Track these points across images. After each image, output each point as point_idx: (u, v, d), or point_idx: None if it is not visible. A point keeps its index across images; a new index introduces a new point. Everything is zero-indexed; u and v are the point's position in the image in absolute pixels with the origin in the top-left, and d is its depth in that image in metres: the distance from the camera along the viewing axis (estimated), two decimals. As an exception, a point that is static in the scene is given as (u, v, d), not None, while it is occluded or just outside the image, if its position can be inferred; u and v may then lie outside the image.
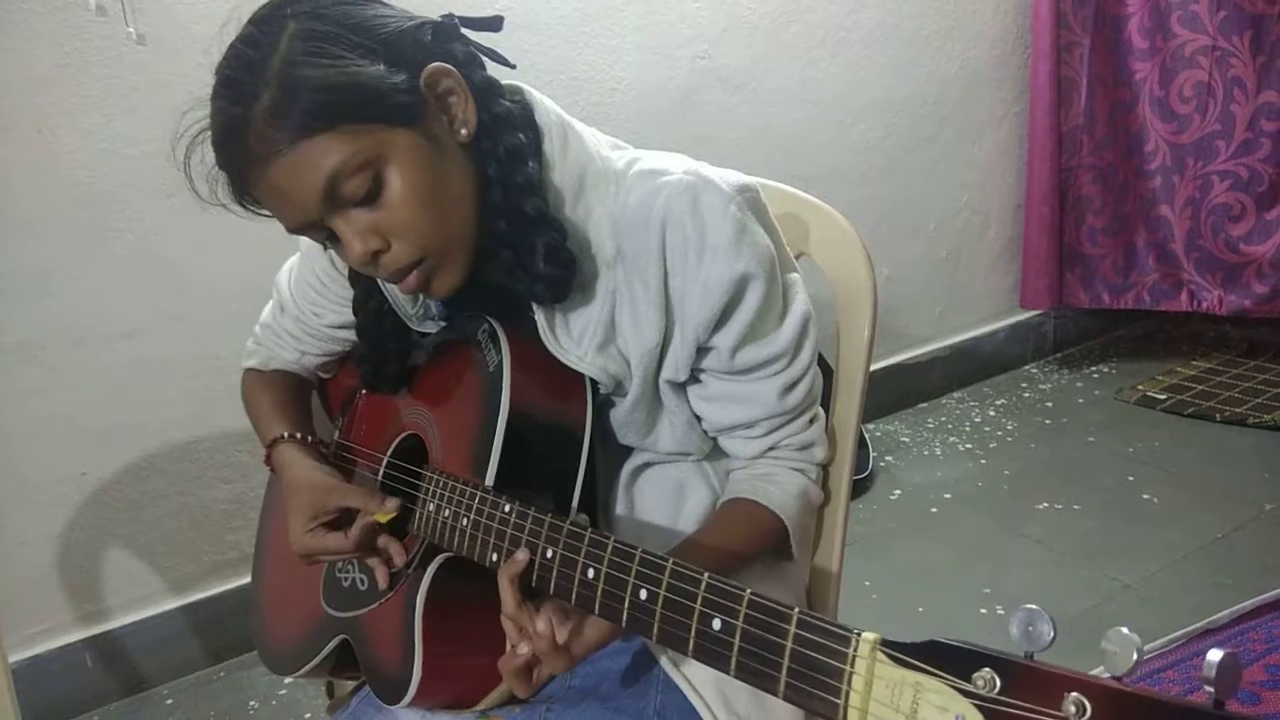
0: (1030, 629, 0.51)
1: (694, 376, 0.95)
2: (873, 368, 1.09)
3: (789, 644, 0.61)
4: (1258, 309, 2.76)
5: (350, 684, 1.14)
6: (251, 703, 1.93)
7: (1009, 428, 2.76)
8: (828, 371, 1.06)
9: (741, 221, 0.88)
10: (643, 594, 0.72)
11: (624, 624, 0.74)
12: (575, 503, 0.90)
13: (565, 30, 2.16)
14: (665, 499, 1.00)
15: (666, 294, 0.90)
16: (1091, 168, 2.82)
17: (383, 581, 0.95)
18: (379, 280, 0.98)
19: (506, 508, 0.84)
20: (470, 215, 0.88)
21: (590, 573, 0.77)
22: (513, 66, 0.92)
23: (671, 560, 0.71)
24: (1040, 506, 2.34)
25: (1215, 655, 0.45)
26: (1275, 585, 1.92)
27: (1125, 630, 0.48)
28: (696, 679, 0.91)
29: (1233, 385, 2.82)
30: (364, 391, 1.12)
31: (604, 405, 0.96)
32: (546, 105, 0.92)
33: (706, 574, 0.68)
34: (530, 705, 0.93)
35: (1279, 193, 2.68)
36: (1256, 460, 2.44)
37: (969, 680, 0.50)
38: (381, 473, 1.04)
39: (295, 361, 1.16)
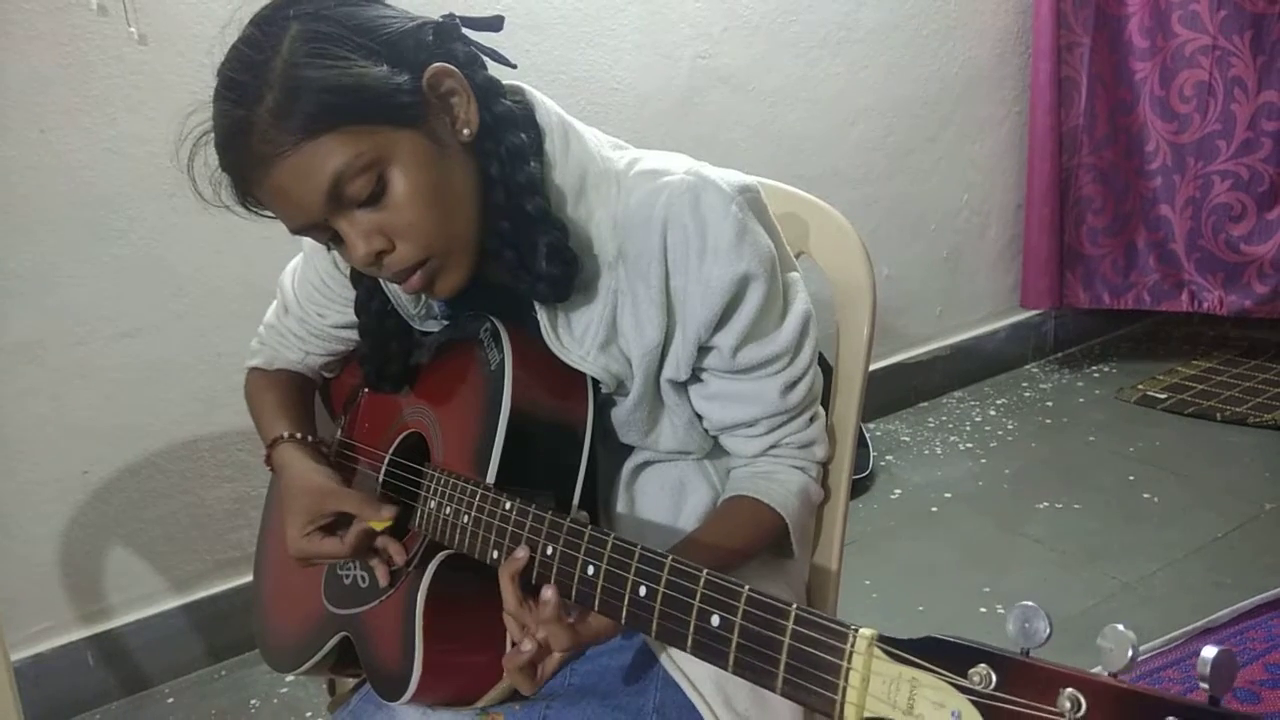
0: (1026, 626, 0.51)
1: (695, 375, 0.95)
2: (873, 367, 1.09)
3: (786, 640, 0.61)
4: (1258, 309, 2.76)
5: (351, 681, 1.14)
6: (253, 701, 1.94)
7: (1009, 427, 2.76)
8: (827, 370, 1.07)
9: (742, 221, 0.88)
10: (642, 591, 0.72)
11: (623, 620, 0.74)
12: (576, 501, 0.91)
13: (566, 30, 2.16)
14: (666, 497, 1.00)
15: (668, 294, 0.90)
16: (1092, 167, 2.83)
17: (383, 579, 0.95)
18: (381, 280, 0.98)
19: (507, 505, 0.84)
20: (473, 215, 0.88)
21: (590, 570, 0.77)
22: (514, 66, 0.92)
23: (670, 557, 0.72)
24: (1041, 506, 2.34)
25: (1210, 652, 0.45)
26: (1275, 584, 1.92)
27: (1121, 627, 0.48)
28: (696, 676, 0.91)
29: (1233, 385, 2.82)
30: (366, 390, 1.12)
31: (605, 404, 0.97)
32: (547, 105, 0.93)
33: (705, 571, 0.69)
34: (530, 703, 0.93)
35: (1279, 193, 2.68)
36: (1257, 459, 2.44)
37: (965, 676, 0.50)
38: (383, 471, 1.04)
39: (299, 361, 1.17)
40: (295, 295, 1.13)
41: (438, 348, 1.03)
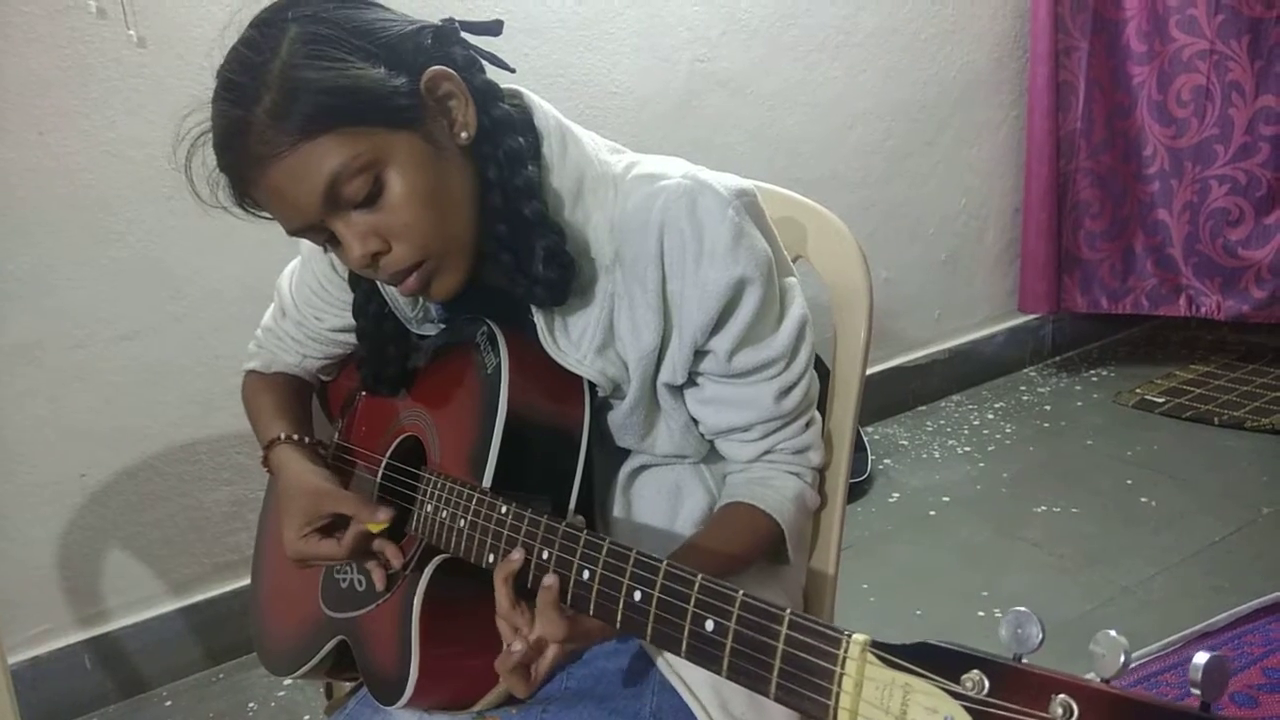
0: (1019, 631, 0.51)
1: (691, 379, 0.96)
2: (871, 370, 1.09)
3: (780, 645, 0.61)
4: (1256, 314, 2.76)
5: (348, 685, 1.14)
6: (250, 704, 1.94)
7: (1007, 431, 2.76)
8: (825, 373, 1.07)
9: (739, 225, 0.88)
10: (637, 595, 0.73)
11: (618, 624, 0.74)
12: (573, 504, 0.91)
13: (565, 34, 2.16)
14: (662, 501, 1.00)
15: (664, 297, 0.90)
16: (1089, 172, 2.83)
17: (380, 583, 0.95)
18: (379, 283, 0.98)
19: (503, 509, 0.85)
20: (470, 218, 0.88)
21: (585, 574, 0.77)
22: (512, 70, 0.92)
23: (665, 562, 0.72)
24: (1038, 510, 2.34)
25: (1202, 658, 0.45)
26: (1273, 588, 1.93)
27: (1113, 633, 0.48)
28: (692, 680, 0.91)
29: (1231, 389, 2.82)
30: (363, 393, 1.13)
31: (602, 408, 0.97)
32: (545, 109, 0.93)
33: (700, 575, 0.69)
34: (526, 706, 0.93)
35: (1277, 197, 2.68)
36: (1254, 464, 2.44)
37: (958, 682, 0.50)
38: (380, 474, 1.04)
39: (297, 364, 1.17)
40: (293, 298, 1.13)
41: (435, 351, 1.04)
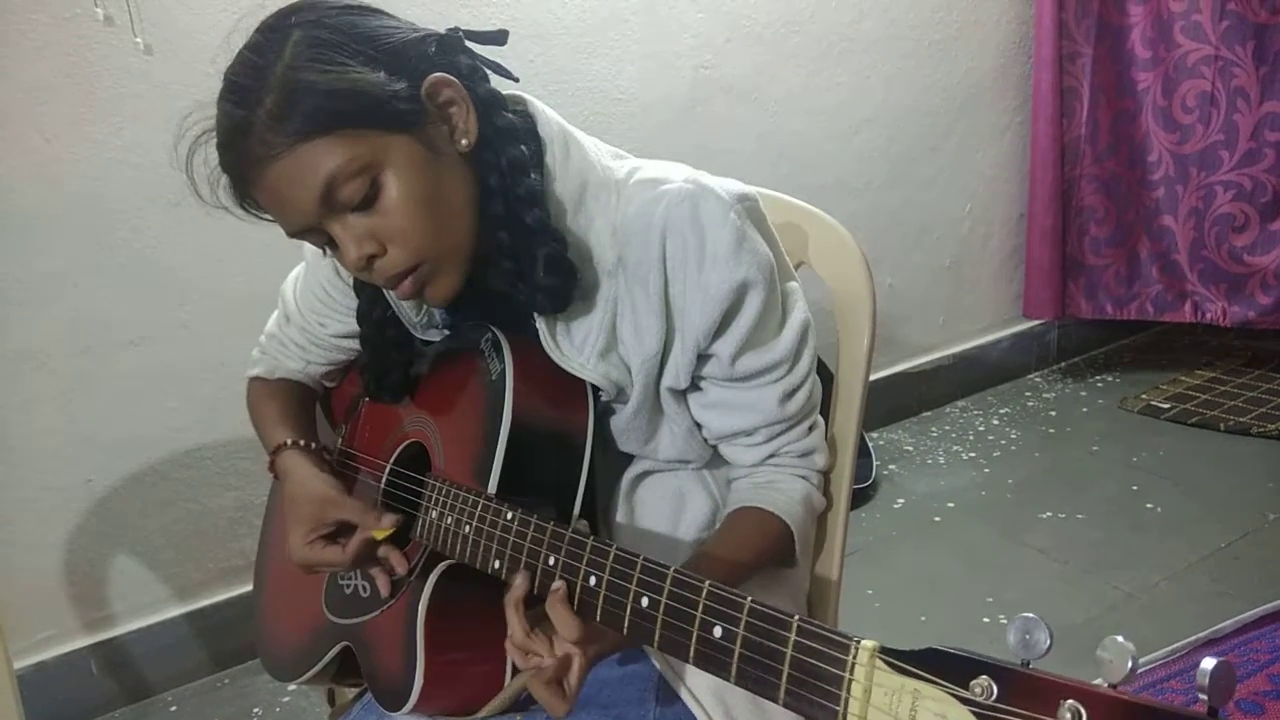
0: (1027, 637, 0.51)
1: (694, 384, 0.96)
2: (876, 376, 1.09)
3: (789, 651, 0.61)
4: (1262, 320, 2.75)
5: (352, 692, 1.14)
6: (255, 710, 1.94)
7: (1013, 436, 2.76)
8: (829, 377, 1.07)
9: (741, 229, 0.89)
10: (644, 601, 0.73)
11: (625, 631, 0.74)
12: (577, 510, 0.91)
13: (570, 40, 2.17)
14: (666, 507, 1.00)
15: (667, 302, 0.91)
16: (1094, 178, 2.83)
17: (385, 589, 0.95)
18: (384, 290, 0.98)
19: (509, 515, 0.85)
20: (469, 224, 0.88)
21: (592, 580, 0.77)
22: (515, 79, 0.93)
23: (673, 568, 0.72)
24: (1044, 516, 2.34)
25: (1209, 664, 0.45)
26: (1279, 595, 1.92)
27: (1120, 639, 0.48)
28: (696, 688, 0.91)
29: (1236, 395, 2.82)
30: (367, 399, 1.13)
31: (605, 413, 0.97)
32: (549, 116, 0.93)
33: (707, 581, 0.69)
34: (531, 713, 0.93)
35: (1283, 203, 2.68)
36: (1260, 470, 2.44)
37: (967, 688, 0.50)
38: (384, 480, 1.05)
39: (300, 371, 1.17)
40: (297, 304, 1.14)
41: (438, 357, 1.04)
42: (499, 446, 0.89)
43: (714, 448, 1.01)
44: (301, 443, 1.08)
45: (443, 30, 0.89)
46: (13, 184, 1.70)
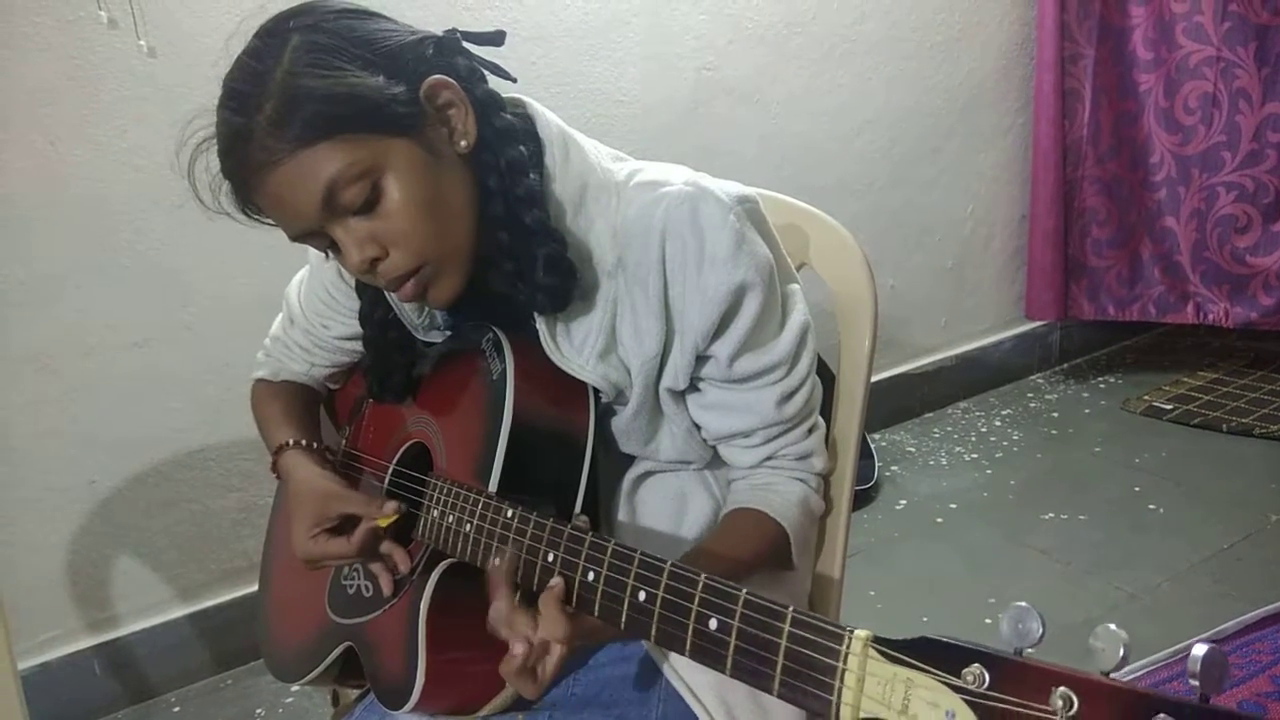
0: (1020, 626, 0.52)
1: (693, 384, 0.96)
2: (878, 377, 1.09)
3: (783, 642, 0.61)
4: (1264, 321, 2.75)
5: (355, 692, 1.15)
6: (258, 710, 1.94)
7: (1015, 438, 2.76)
8: (830, 378, 1.07)
9: (740, 231, 0.89)
10: (641, 595, 0.73)
11: (623, 625, 0.75)
12: (578, 509, 0.91)
13: (572, 42, 2.17)
14: (667, 507, 1.00)
15: (666, 303, 0.91)
16: (1096, 179, 2.83)
17: (387, 588, 0.96)
18: (386, 292, 0.99)
19: (509, 513, 0.85)
20: (469, 226, 0.89)
21: (590, 575, 0.77)
22: (513, 80, 0.93)
23: (670, 562, 0.72)
24: (1046, 517, 2.34)
25: (1200, 650, 0.46)
26: (1281, 596, 1.92)
27: (1113, 626, 0.48)
28: (698, 686, 0.92)
29: (1239, 396, 2.82)
30: (370, 401, 1.13)
31: (605, 414, 0.97)
32: (548, 117, 0.93)
33: (703, 575, 0.69)
34: (532, 712, 0.93)
35: (1285, 204, 2.68)
36: (1263, 471, 2.44)
37: (959, 676, 0.51)
38: (387, 480, 1.05)
39: (304, 373, 1.18)
40: (301, 307, 1.14)
41: (440, 358, 1.04)
42: (500, 445, 0.89)
43: (715, 449, 1.01)
44: (304, 442, 1.09)
45: (440, 32, 0.89)
46: (16, 186, 1.71)
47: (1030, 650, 0.51)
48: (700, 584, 0.69)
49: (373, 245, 0.85)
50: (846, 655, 0.57)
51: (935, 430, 2.84)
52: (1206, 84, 2.66)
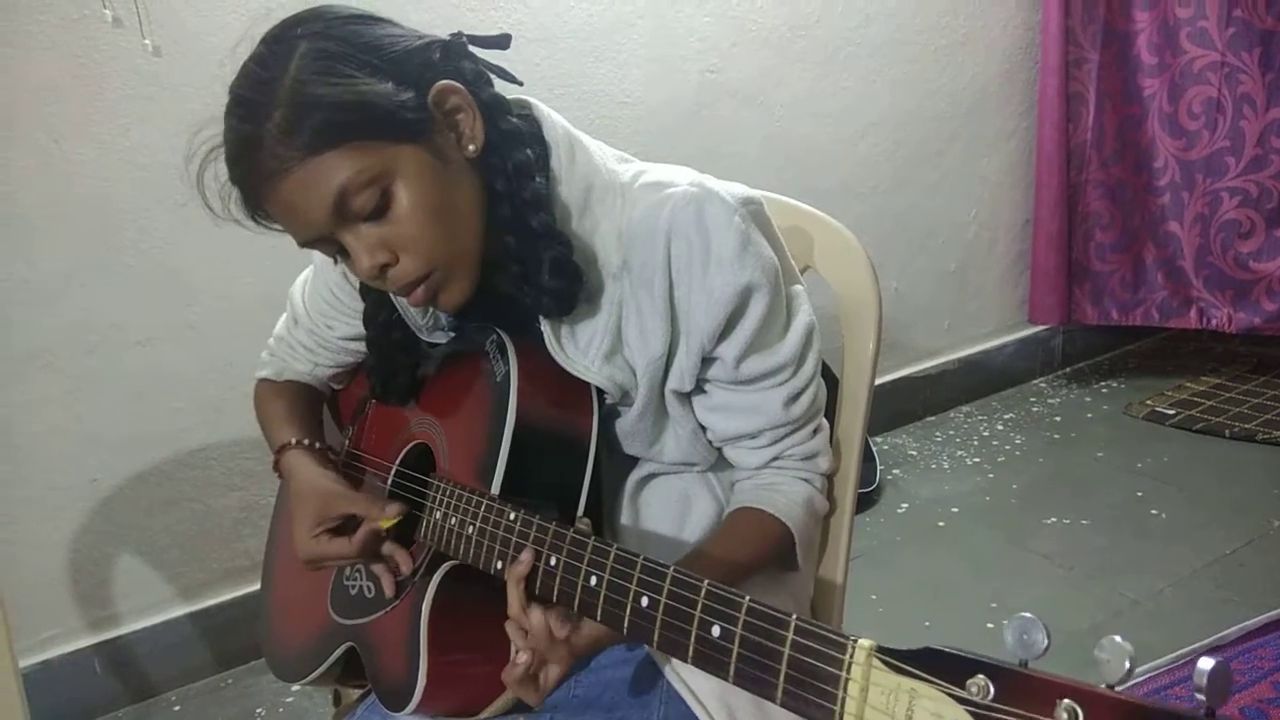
0: (1025, 637, 0.51)
1: (699, 386, 0.96)
2: (881, 380, 1.09)
3: (786, 650, 0.61)
4: (1267, 327, 2.75)
5: (356, 692, 1.15)
6: (259, 710, 1.94)
7: (1017, 442, 2.76)
8: (834, 381, 1.07)
9: (746, 233, 0.89)
10: (644, 601, 0.73)
11: (625, 630, 0.75)
12: (580, 512, 0.91)
13: (576, 44, 2.17)
14: (670, 509, 1.00)
15: (672, 304, 0.91)
16: (1100, 183, 2.83)
17: (389, 589, 0.96)
18: (390, 293, 0.99)
19: (512, 515, 0.85)
20: (477, 229, 0.89)
21: (593, 580, 0.77)
22: (520, 84, 0.93)
23: (672, 567, 0.72)
24: (1048, 521, 2.33)
25: (1206, 664, 0.46)
26: (1284, 602, 1.92)
27: (1118, 639, 0.48)
28: (700, 690, 0.91)
29: (1242, 401, 2.81)
30: (374, 401, 1.13)
31: (609, 415, 0.97)
32: (554, 120, 0.93)
33: (706, 581, 0.69)
34: (533, 715, 0.93)
35: (1289, 209, 2.68)
36: (1265, 476, 2.43)
37: (963, 687, 0.50)
38: (390, 481, 1.05)
39: (308, 373, 1.18)
40: (305, 308, 1.14)
41: (444, 359, 1.04)
42: (503, 447, 0.89)
43: (719, 450, 1.01)
44: (306, 442, 1.09)
45: (446, 36, 0.89)
46: (20, 184, 1.71)
47: (1035, 662, 0.51)
48: (703, 590, 0.68)
49: (383, 251, 0.85)
50: (850, 665, 0.57)
51: (937, 434, 2.84)
52: (1211, 89, 2.65)
